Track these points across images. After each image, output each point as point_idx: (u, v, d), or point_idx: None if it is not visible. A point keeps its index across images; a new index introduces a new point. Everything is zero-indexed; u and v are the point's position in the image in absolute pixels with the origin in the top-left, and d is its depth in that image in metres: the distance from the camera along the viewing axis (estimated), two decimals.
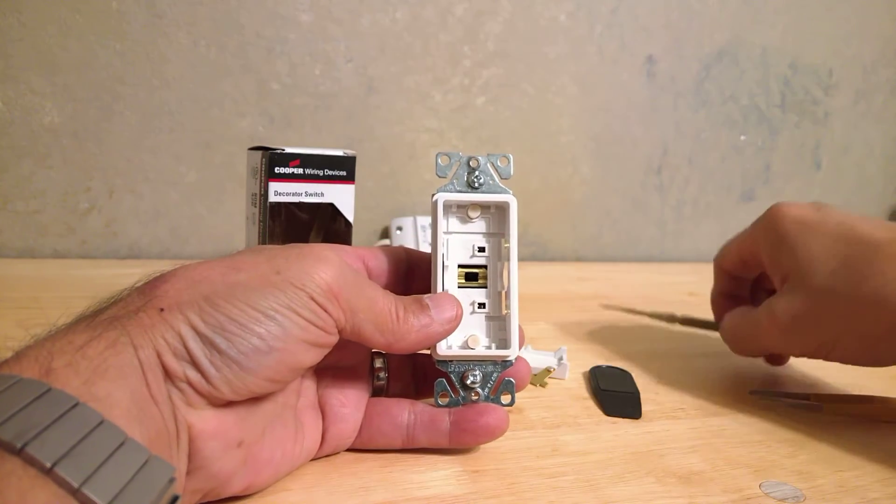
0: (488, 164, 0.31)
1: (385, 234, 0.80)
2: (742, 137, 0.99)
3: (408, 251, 0.32)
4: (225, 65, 0.70)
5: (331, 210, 0.41)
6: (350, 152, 0.41)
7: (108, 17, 0.65)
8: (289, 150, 0.40)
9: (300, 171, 0.40)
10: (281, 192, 0.40)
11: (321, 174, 0.41)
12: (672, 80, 0.92)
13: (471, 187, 0.31)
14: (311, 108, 0.74)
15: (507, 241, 0.31)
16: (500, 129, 0.83)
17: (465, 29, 0.79)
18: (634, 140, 0.92)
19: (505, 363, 0.30)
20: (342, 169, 0.41)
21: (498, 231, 0.32)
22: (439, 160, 0.31)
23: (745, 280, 0.46)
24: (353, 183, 0.42)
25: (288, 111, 0.73)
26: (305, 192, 0.40)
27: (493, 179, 0.31)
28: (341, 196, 0.42)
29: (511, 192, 0.31)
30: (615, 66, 0.88)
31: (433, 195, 0.31)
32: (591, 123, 0.88)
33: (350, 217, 0.42)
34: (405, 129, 0.79)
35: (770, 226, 0.40)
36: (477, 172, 0.31)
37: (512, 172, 0.32)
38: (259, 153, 0.40)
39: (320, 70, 0.73)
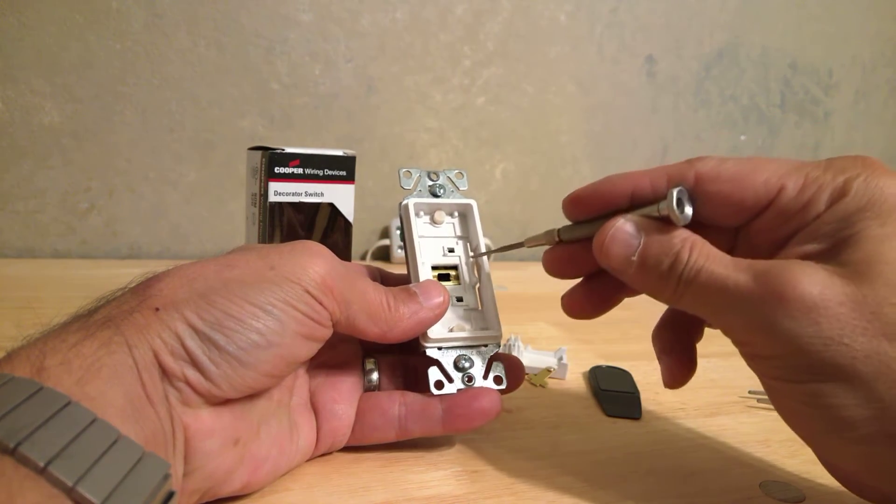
0: (447, 178, 0.34)
1: (385, 234, 0.80)
2: (742, 137, 0.99)
3: (380, 269, 0.33)
4: (225, 65, 0.70)
5: (331, 210, 0.41)
6: (350, 152, 0.41)
7: (108, 17, 0.65)
8: (289, 150, 0.40)
9: (300, 170, 0.40)
10: (281, 191, 0.40)
11: (321, 174, 0.41)
12: (672, 80, 0.92)
13: (434, 196, 0.34)
14: (311, 108, 0.74)
15: (475, 242, 0.34)
16: (500, 129, 0.83)
17: (465, 29, 0.79)
18: (634, 140, 0.92)
19: (492, 345, 0.31)
20: (342, 169, 0.41)
21: (464, 235, 0.34)
22: (402, 175, 0.33)
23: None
24: (353, 183, 0.42)
25: (288, 111, 0.73)
26: (305, 192, 0.40)
27: (453, 190, 0.34)
28: (341, 196, 0.41)
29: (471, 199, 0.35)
30: (615, 66, 0.88)
31: (401, 202, 0.33)
32: (591, 123, 0.88)
33: (350, 217, 0.42)
34: (405, 128, 0.79)
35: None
36: (438, 183, 0.34)
37: (467, 186, 0.35)
38: (259, 153, 0.40)
39: (320, 70, 0.73)
